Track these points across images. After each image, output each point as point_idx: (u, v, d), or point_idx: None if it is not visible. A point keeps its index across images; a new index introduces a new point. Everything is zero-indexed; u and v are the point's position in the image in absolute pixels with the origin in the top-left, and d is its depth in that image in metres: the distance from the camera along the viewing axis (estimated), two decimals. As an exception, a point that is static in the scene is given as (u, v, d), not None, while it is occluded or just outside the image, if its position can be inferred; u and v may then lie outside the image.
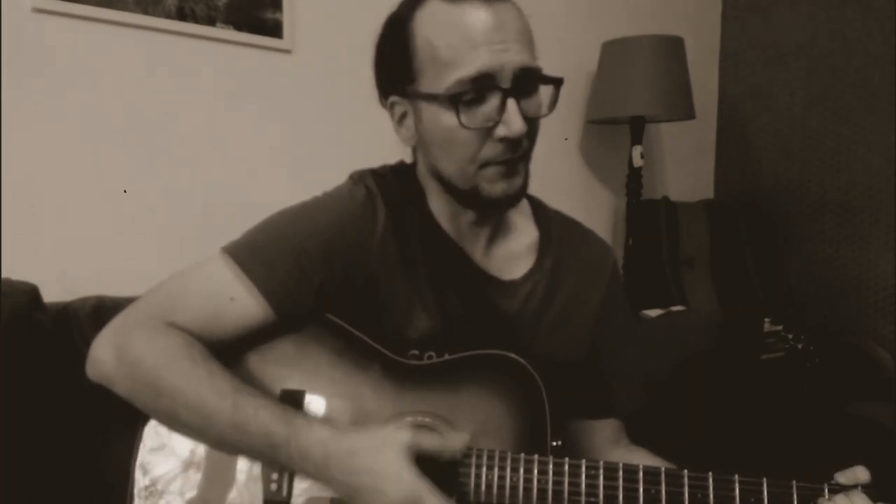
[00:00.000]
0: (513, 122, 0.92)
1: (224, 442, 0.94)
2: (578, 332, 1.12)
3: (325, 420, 0.95)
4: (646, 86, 2.29)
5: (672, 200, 2.60)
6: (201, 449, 0.98)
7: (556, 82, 0.98)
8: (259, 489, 0.96)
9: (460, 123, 0.92)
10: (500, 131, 0.93)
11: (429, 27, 0.94)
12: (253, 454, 0.94)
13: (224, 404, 0.91)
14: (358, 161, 1.12)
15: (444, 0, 0.94)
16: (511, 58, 0.92)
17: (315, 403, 1.00)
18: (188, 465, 0.97)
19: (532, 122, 0.96)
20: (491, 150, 0.95)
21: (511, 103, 0.92)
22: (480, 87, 0.92)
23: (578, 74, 2.49)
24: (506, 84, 0.92)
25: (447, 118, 0.94)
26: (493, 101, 0.93)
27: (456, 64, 0.92)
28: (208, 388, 0.92)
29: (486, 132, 0.94)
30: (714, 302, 2.47)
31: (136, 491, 0.97)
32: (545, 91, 0.98)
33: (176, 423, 0.95)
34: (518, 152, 0.96)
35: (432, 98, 0.95)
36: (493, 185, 0.97)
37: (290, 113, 1.93)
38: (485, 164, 0.96)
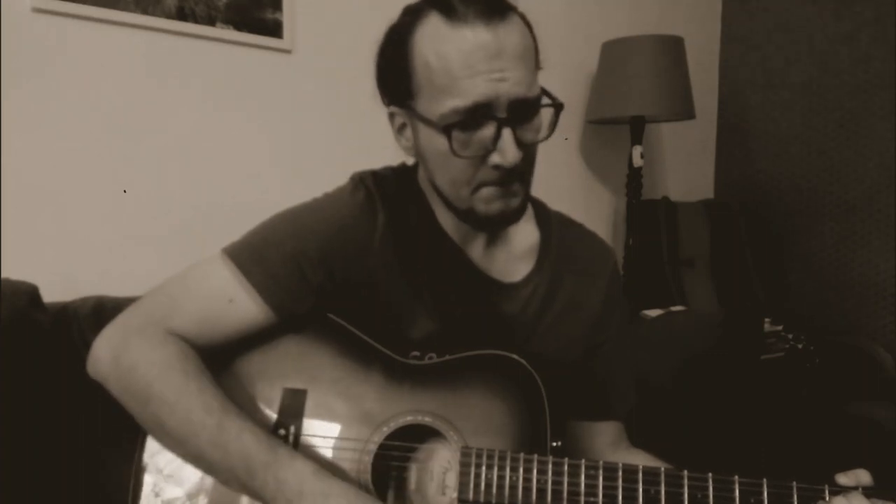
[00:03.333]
0: (507, 152, 0.91)
1: (202, 458, 0.93)
2: (577, 332, 1.12)
3: (309, 457, 0.93)
4: (646, 86, 2.28)
5: (672, 200, 2.60)
6: None
7: (556, 107, 0.96)
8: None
9: (453, 152, 0.91)
10: (494, 159, 0.92)
11: (427, 48, 0.92)
12: (228, 476, 0.92)
13: (210, 421, 0.91)
14: (358, 161, 1.12)
15: (443, 18, 0.91)
16: (508, 88, 0.90)
17: (316, 402, 1.00)
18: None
19: (529, 147, 0.95)
20: (485, 174, 0.94)
21: (506, 132, 0.91)
22: (476, 115, 0.91)
23: (578, 74, 2.49)
24: (501, 113, 0.91)
25: (441, 143, 0.93)
26: (488, 129, 0.92)
27: (452, 92, 0.90)
28: (197, 403, 0.92)
29: (481, 158, 0.93)
30: (714, 302, 2.47)
31: (151, 494, 0.98)
32: (545, 110, 0.97)
33: (160, 431, 0.95)
34: (513, 176, 0.95)
35: (427, 122, 0.94)
36: (489, 206, 0.97)
37: (290, 113, 1.93)
38: (479, 187, 0.95)
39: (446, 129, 0.91)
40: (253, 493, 0.92)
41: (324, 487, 0.88)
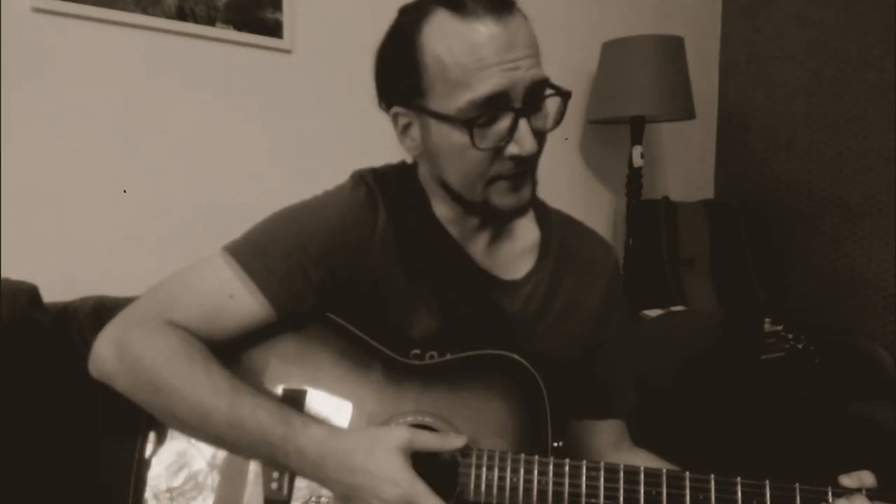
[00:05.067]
0: (525, 142, 0.92)
1: (222, 440, 0.95)
2: (577, 331, 1.12)
3: (323, 420, 0.95)
4: (646, 86, 2.28)
5: (672, 200, 2.59)
6: (220, 454, 0.98)
7: (565, 95, 0.97)
8: (260, 488, 0.96)
9: (474, 145, 0.92)
10: (512, 150, 0.93)
11: (438, 44, 0.92)
12: (250, 452, 0.95)
13: (221, 403, 0.92)
14: (358, 161, 1.12)
15: (452, 14, 0.92)
16: (522, 75, 0.91)
17: (316, 403, 1.00)
18: (209, 469, 0.98)
19: (540, 137, 0.96)
20: (501, 166, 0.95)
21: (523, 123, 0.92)
22: (492, 106, 0.91)
23: (578, 74, 2.48)
24: (518, 103, 0.92)
25: (458, 137, 0.93)
26: (504, 121, 0.93)
27: (467, 85, 0.91)
28: (206, 386, 0.93)
29: (497, 150, 0.94)
30: (714, 302, 2.47)
31: (153, 493, 0.98)
32: (551, 101, 0.98)
33: (174, 420, 0.96)
34: (527, 167, 0.96)
35: (443, 118, 0.94)
36: (503, 199, 0.98)
37: (290, 113, 1.93)
38: (494, 180, 0.96)
39: (467, 122, 0.91)
40: (279, 466, 0.94)
41: (342, 444, 0.90)
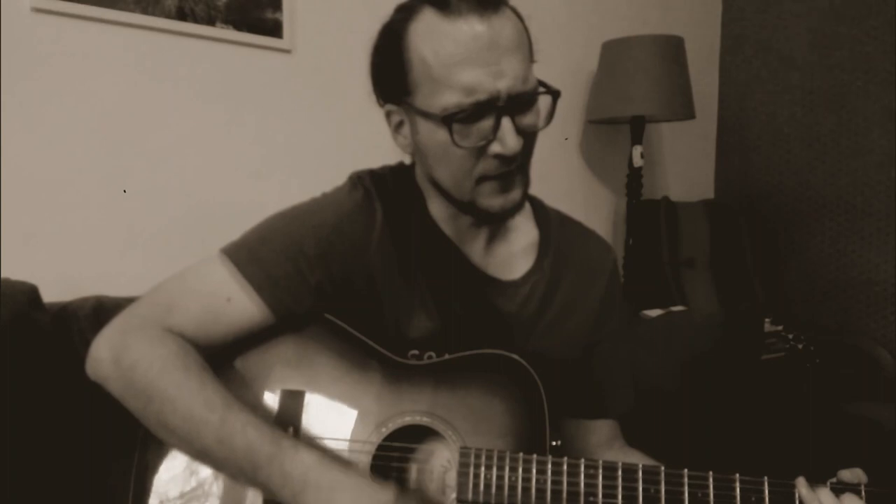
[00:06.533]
0: (507, 140, 0.92)
1: (207, 454, 0.93)
2: (575, 331, 1.12)
3: (314, 446, 0.93)
4: (646, 86, 2.28)
5: (672, 200, 2.60)
6: None
7: (554, 94, 0.97)
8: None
9: (454, 143, 0.92)
10: (495, 148, 0.93)
11: (423, 43, 0.93)
12: (233, 471, 0.92)
13: (212, 417, 0.91)
14: (357, 161, 1.12)
15: (438, 12, 0.92)
16: (506, 83, 0.91)
17: (315, 404, 1.00)
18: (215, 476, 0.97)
19: (528, 136, 0.96)
20: (486, 165, 0.95)
21: (506, 121, 0.92)
22: (475, 105, 0.91)
23: (578, 74, 2.48)
24: (500, 102, 0.92)
25: (442, 135, 0.93)
26: (488, 119, 0.93)
27: (450, 84, 0.91)
28: (198, 399, 0.92)
29: (481, 148, 0.94)
30: (714, 302, 2.47)
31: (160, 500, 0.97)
32: (543, 99, 0.98)
33: (163, 429, 0.94)
34: (513, 166, 0.96)
35: (427, 115, 0.94)
36: (490, 200, 0.98)
37: (290, 113, 1.93)
38: (481, 180, 0.96)
39: (446, 120, 0.91)
40: (259, 486, 0.92)
41: (329, 478, 0.88)
